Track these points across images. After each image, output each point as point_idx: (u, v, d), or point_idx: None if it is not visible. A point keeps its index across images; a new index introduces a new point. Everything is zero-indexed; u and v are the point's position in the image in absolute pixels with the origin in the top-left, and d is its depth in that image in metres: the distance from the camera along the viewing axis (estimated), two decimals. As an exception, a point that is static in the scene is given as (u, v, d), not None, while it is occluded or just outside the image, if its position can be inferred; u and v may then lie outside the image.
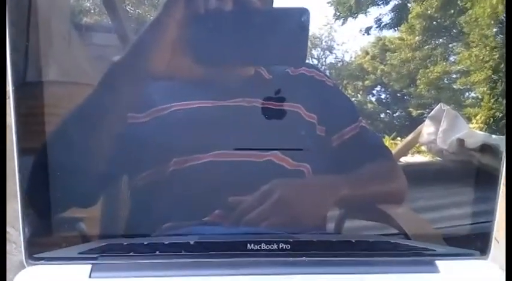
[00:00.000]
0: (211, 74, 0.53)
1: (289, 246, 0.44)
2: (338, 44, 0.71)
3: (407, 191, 0.56)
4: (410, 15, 0.71)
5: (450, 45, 0.79)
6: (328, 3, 0.62)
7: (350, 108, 0.63)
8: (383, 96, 0.81)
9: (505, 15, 0.51)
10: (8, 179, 0.43)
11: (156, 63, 0.49)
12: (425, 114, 0.74)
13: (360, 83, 0.79)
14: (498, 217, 0.47)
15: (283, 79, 0.56)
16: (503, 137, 0.48)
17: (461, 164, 0.72)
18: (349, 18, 0.65)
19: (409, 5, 0.71)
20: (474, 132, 0.73)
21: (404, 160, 0.75)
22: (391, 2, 0.66)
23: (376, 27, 0.68)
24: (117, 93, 0.50)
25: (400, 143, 0.73)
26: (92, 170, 0.50)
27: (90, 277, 0.40)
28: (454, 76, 0.79)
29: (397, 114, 0.82)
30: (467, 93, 0.81)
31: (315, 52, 0.75)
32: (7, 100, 0.42)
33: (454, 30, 0.76)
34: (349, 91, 0.79)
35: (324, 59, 0.78)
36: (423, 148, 0.77)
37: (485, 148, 0.64)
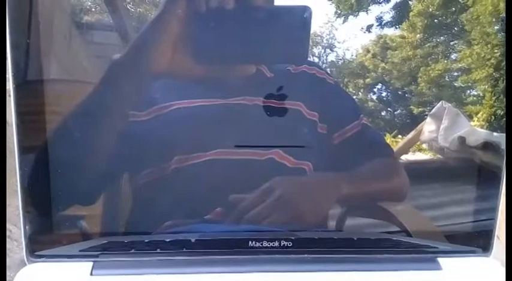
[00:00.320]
0: (213, 72, 0.53)
1: (291, 243, 0.44)
2: (339, 42, 0.71)
3: (409, 189, 0.56)
4: (411, 13, 0.71)
5: (451, 43, 0.78)
6: (329, 0, 0.62)
7: (351, 106, 0.63)
8: (384, 94, 0.81)
9: (505, 13, 0.51)
10: (8, 177, 0.43)
11: (157, 61, 0.49)
12: (426, 112, 0.74)
13: (361, 81, 0.79)
14: (499, 214, 0.47)
15: (284, 77, 0.56)
16: (505, 135, 0.48)
17: (462, 161, 0.72)
18: (350, 16, 0.65)
19: (410, 2, 0.71)
20: (475, 130, 0.73)
21: (405, 157, 0.75)
22: (392, 0, 0.66)
23: (377, 25, 0.67)
24: (118, 92, 0.50)
25: (402, 141, 0.73)
26: (93, 168, 0.49)
27: (91, 274, 0.40)
28: (456, 74, 0.79)
29: (398, 112, 0.81)
30: (468, 91, 0.81)
31: (316, 50, 0.74)
32: (8, 98, 0.42)
33: (456, 28, 0.76)
34: (350, 89, 0.79)
35: (325, 57, 0.78)
36: (424, 145, 0.77)
37: (487, 146, 0.64)
